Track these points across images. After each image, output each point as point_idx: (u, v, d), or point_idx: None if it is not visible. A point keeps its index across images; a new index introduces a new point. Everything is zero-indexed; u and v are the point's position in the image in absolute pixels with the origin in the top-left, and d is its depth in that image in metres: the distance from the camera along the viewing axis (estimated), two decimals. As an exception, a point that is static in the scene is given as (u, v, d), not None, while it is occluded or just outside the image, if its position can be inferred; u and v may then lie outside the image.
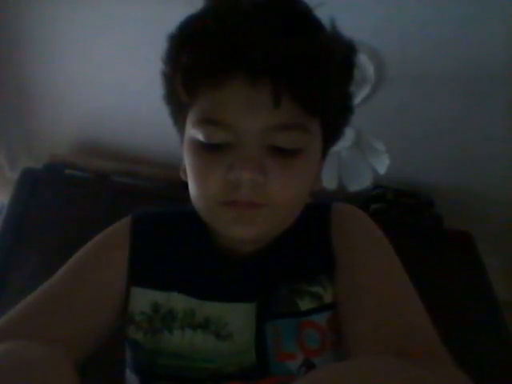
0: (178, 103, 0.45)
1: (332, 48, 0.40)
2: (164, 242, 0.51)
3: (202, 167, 0.42)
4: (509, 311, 1.78)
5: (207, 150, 0.41)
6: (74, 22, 1.34)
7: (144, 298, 0.48)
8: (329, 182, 1.46)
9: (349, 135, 1.36)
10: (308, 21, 0.41)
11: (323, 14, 0.42)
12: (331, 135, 0.48)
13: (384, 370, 0.23)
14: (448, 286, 1.71)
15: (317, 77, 0.38)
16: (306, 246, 0.50)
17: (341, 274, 0.47)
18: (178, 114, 0.47)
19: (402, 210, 1.92)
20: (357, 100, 1.62)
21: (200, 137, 0.41)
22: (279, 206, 0.42)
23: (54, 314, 0.43)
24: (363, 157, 1.41)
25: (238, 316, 0.46)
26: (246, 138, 0.40)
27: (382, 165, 1.40)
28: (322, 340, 0.45)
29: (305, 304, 0.46)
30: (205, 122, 0.41)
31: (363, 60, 1.47)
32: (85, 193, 1.51)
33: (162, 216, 0.55)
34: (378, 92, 1.59)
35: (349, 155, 1.42)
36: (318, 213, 0.52)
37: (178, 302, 0.47)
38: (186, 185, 0.46)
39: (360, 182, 1.46)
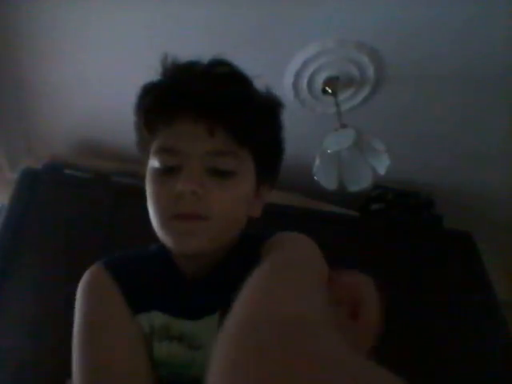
0: (143, 144, 0.57)
1: (251, 96, 0.54)
2: (139, 275, 0.58)
3: (156, 189, 0.52)
4: (509, 311, 1.78)
5: (162, 174, 0.52)
6: (73, 23, 1.34)
7: (141, 322, 0.54)
8: (329, 182, 1.46)
9: (349, 135, 1.36)
10: (235, 78, 0.55)
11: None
12: (264, 167, 0.57)
13: None
14: (448, 285, 1.71)
15: (239, 115, 0.52)
16: (242, 265, 0.54)
17: None
18: (144, 153, 0.57)
19: (401, 210, 1.92)
20: (357, 100, 1.62)
21: (156, 163, 0.53)
22: (217, 218, 0.51)
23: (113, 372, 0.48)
24: (363, 157, 1.41)
25: (205, 330, 0.53)
26: (190, 161, 0.51)
27: (382, 165, 1.40)
28: None
29: None
30: (160, 150, 0.53)
31: (363, 60, 1.47)
32: (85, 193, 1.51)
33: (130, 256, 0.62)
34: (378, 92, 1.59)
35: (349, 155, 1.42)
36: (259, 238, 0.58)
37: (156, 318, 0.54)
38: None
39: (360, 182, 1.46)
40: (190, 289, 0.56)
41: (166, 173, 0.52)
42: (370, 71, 1.50)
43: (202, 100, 0.51)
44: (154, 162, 0.53)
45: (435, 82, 1.54)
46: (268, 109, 0.56)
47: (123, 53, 1.43)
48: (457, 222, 1.93)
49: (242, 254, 0.56)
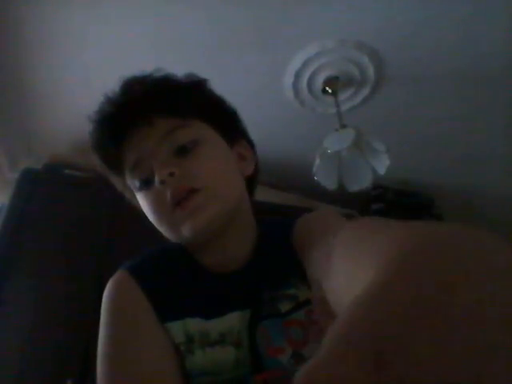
0: (116, 171, 0.57)
1: (167, 79, 0.56)
2: (165, 280, 0.56)
3: (147, 201, 0.52)
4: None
5: (144, 189, 0.53)
6: (73, 23, 1.34)
7: (173, 331, 0.53)
8: (329, 181, 1.46)
9: (349, 135, 1.36)
10: (146, 77, 0.57)
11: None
12: (223, 128, 0.58)
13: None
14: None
15: (165, 96, 0.55)
16: (276, 256, 0.56)
17: (314, 271, 0.47)
18: (122, 183, 0.58)
19: (401, 210, 1.92)
20: (357, 100, 1.62)
21: (136, 183, 0.53)
22: (212, 184, 0.50)
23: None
24: (363, 157, 1.41)
25: (242, 323, 0.52)
26: (152, 157, 0.52)
27: (382, 165, 1.40)
28: (304, 333, 0.52)
29: (284, 306, 0.53)
30: (131, 168, 0.54)
31: (363, 60, 1.47)
32: (85, 193, 1.51)
33: (153, 258, 0.60)
34: (378, 92, 1.59)
35: (349, 155, 1.42)
36: (284, 226, 0.59)
37: (192, 325, 0.52)
38: None
39: (360, 182, 1.46)
40: (219, 285, 0.55)
41: (147, 185, 0.52)
42: (370, 71, 1.50)
43: (127, 108, 0.53)
44: (134, 182, 0.54)
45: (435, 81, 1.54)
46: (191, 83, 0.58)
47: (124, 53, 1.43)
48: (457, 222, 1.93)
49: (270, 241, 0.57)
